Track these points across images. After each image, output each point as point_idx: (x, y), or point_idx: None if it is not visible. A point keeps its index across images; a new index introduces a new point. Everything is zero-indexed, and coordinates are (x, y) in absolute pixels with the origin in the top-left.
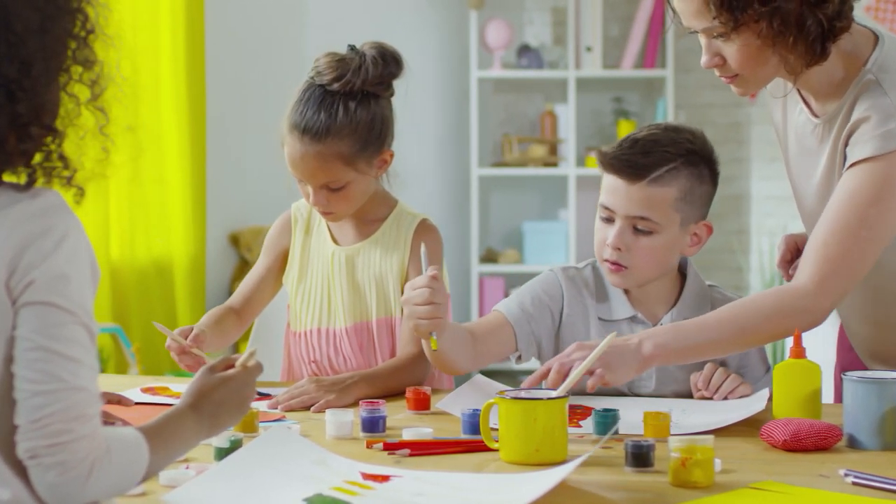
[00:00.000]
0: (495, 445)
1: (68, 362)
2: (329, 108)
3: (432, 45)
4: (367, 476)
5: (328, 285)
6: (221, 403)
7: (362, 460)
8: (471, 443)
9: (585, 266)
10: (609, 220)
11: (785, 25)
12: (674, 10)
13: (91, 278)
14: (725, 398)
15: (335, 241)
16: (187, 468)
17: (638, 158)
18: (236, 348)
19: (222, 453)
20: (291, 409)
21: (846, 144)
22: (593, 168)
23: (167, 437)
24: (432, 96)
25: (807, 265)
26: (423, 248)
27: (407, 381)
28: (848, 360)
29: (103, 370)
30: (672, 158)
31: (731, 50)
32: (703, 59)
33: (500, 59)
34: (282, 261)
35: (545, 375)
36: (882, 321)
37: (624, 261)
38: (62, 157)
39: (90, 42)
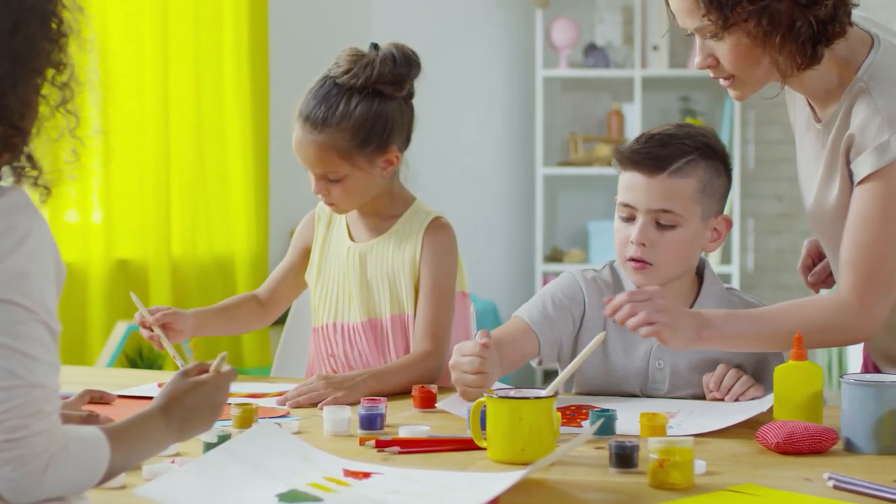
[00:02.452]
0: (485, 444)
1: (26, 359)
2: (330, 101)
3: (498, 43)
4: (348, 473)
5: (343, 281)
6: (193, 408)
7: (352, 457)
8: (461, 441)
9: (604, 268)
10: (630, 219)
11: (773, 25)
12: (671, 12)
13: (55, 278)
14: (737, 399)
15: (352, 237)
16: (173, 462)
17: (657, 151)
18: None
19: (210, 448)
20: (299, 406)
21: (847, 156)
22: None
23: (133, 437)
24: (498, 95)
25: (843, 282)
26: (471, 308)
27: (419, 378)
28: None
29: (161, 366)
30: (690, 151)
31: (723, 50)
32: (697, 59)
33: (566, 58)
34: (304, 257)
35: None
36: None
37: (648, 257)
38: (30, 158)
39: (63, 45)
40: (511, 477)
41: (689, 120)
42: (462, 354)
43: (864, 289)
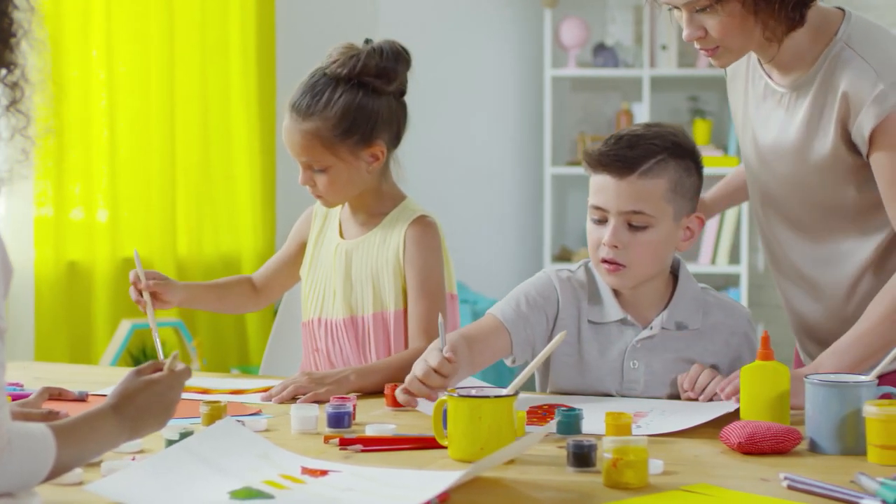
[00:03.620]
0: (446, 443)
1: None
2: (316, 90)
3: (506, 43)
4: (305, 470)
5: (330, 277)
6: (144, 407)
7: (315, 455)
8: (424, 440)
9: (579, 268)
10: (601, 221)
11: None
12: None
13: (1, 276)
14: (711, 400)
15: (342, 234)
16: (133, 460)
17: (626, 152)
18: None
19: (171, 445)
20: (282, 401)
21: (842, 116)
22: None
23: (82, 435)
24: (507, 95)
25: None
26: (440, 320)
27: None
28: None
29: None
30: (659, 151)
31: (713, 22)
32: (686, 32)
33: (574, 57)
34: (299, 251)
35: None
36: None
37: (621, 259)
38: None
39: (13, 45)
40: (455, 475)
41: (697, 120)
42: (423, 361)
43: None
